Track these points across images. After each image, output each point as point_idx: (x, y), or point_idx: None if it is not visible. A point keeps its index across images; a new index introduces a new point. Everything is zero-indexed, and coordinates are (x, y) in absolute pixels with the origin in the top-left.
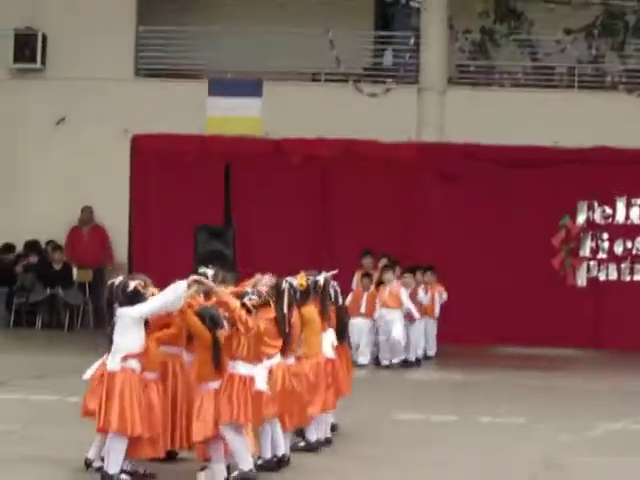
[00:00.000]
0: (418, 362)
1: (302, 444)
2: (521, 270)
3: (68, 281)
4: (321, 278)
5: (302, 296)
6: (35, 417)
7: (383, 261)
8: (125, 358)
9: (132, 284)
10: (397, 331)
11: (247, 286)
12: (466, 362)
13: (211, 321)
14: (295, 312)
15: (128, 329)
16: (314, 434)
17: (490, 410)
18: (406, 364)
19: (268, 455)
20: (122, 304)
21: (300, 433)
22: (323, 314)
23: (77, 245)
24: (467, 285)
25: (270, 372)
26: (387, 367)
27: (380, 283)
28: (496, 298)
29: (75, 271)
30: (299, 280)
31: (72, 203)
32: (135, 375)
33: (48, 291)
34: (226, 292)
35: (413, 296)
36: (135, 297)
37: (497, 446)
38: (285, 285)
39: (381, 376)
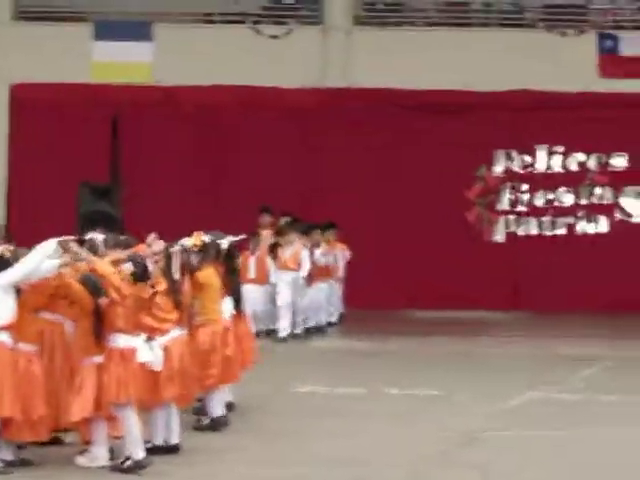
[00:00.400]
0: (321, 329)
1: (207, 421)
2: (433, 226)
3: None
4: (225, 242)
5: (198, 258)
6: None
7: (284, 220)
8: None
9: None
10: (282, 297)
11: (138, 251)
12: (374, 328)
13: (94, 288)
14: (186, 279)
15: None
16: (218, 408)
17: (400, 381)
18: (309, 332)
19: (158, 441)
20: None
21: (199, 410)
22: (226, 281)
23: None
24: (373, 243)
25: (167, 350)
26: (284, 339)
27: (276, 245)
28: (405, 257)
29: None
30: (193, 240)
31: None
32: (5, 349)
33: None
34: (95, 258)
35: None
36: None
37: (406, 419)
38: (175, 248)
39: (281, 346)
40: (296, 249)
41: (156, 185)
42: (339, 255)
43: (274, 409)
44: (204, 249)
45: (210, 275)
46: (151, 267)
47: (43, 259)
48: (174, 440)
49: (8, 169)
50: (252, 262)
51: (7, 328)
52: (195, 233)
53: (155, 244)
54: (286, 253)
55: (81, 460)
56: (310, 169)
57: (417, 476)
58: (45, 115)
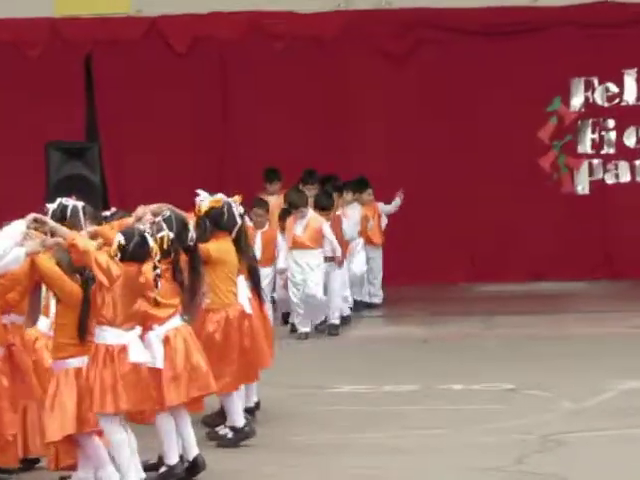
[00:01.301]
0: (346, 319)
1: (230, 435)
2: (497, 178)
3: None
4: (237, 206)
5: (206, 227)
6: None
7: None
8: None
9: None
10: (314, 286)
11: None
12: (426, 310)
13: (74, 270)
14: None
15: None
16: (240, 417)
17: (462, 374)
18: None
19: (174, 460)
20: None
21: (215, 420)
22: (241, 254)
23: None
24: (419, 203)
25: (168, 342)
26: (305, 335)
27: (286, 214)
28: (464, 219)
29: None
30: (209, 203)
31: None
32: None
33: None
34: (75, 232)
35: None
36: None
37: (471, 421)
38: (169, 214)
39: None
40: (314, 222)
41: (143, 142)
42: (381, 219)
43: (305, 417)
44: (218, 211)
45: (222, 248)
46: (151, 242)
47: (11, 246)
48: (193, 453)
49: None
50: (258, 239)
51: None
52: (205, 195)
53: (145, 216)
54: (301, 227)
55: None
56: (333, 115)
57: None
58: (3, 59)
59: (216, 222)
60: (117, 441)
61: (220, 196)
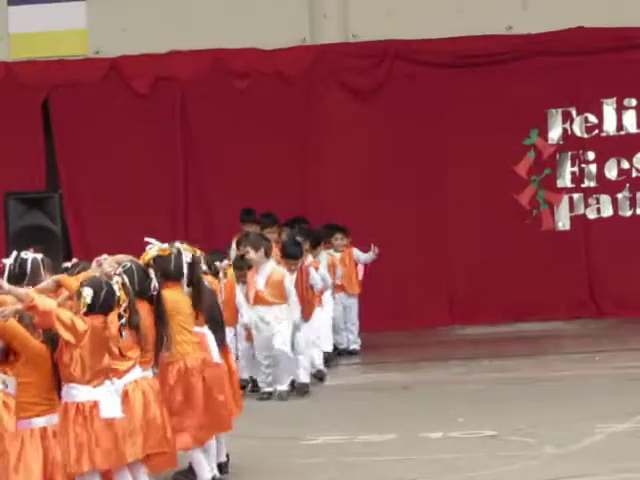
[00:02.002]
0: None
1: None
2: (474, 216)
3: None
4: (187, 254)
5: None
6: None
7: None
8: None
9: None
10: (280, 340)
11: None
12: (405, 355)
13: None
14: (144, 305)
15: None
16: (206, 470)
17: (443, 421)
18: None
19: None
20: None
21: (187, 476)
22: (196, 303)
23: None
24: (396, 247)
25: (125, 395)
26: (268, 395)
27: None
28: (441, 260)
29: None
30: (155, 251)
31: None
32: None
33: None
34: (31, 292)
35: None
36: None
37: (453, 471)
38: (130, 264)
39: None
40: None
41: (105, 188)
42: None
43: (278, 470)
44: (167, 262)
45: (175, 298)
46: (118, 292)
47: None
48: None
49: None
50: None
51: None
52: (154, 245)
53: (107, 264)
54: (259, 280)
55: None
56: (300, 153)
57: None
58: None
59: (163, 271)
60: None
61: (167, 245)
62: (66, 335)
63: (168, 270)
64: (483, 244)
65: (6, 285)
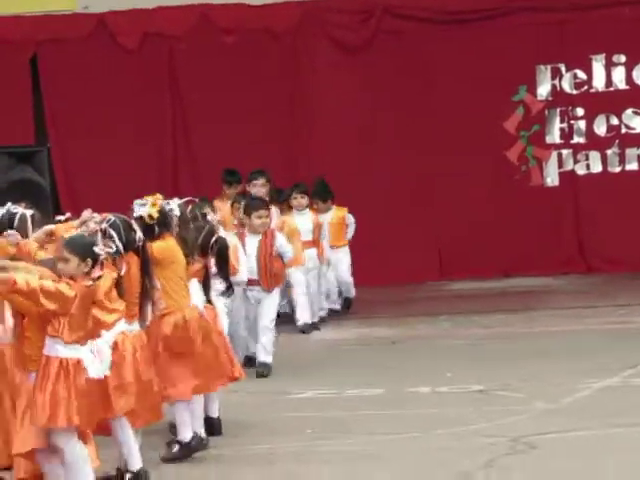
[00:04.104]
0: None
1: (175, 449)
2: (463, 172)
3: None
4: (175, 206)
5: (151, 228)
6: None
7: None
8: None
9: None
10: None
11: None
12: (394, 311)
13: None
14: (133, 258)
15: None
16: (187, 427)
17: (430, 376)
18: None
19: (138, 465)
20: None
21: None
22: (187, 255)
23: None
24: (385, 201)
25: (115, 347)
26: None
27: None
28: (430, 215)
29: None
30: (148, 208)
31: None
32: None
33: None
34: (10, 272)
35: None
36: None
37: (439, 425)
38: (113, 218)
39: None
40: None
41: (93, 143)
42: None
43: (266, 425)
44: (160, 214)
45: (168, 247)
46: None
47: None
48: (136, 466)
49: None
50: None
51: None
52: (150, 197)
53: (92, 221)
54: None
55: None
56: (287, 109)
57: None
58: None
59: (158, 223)
60: (74, 458)
61: (156, 197)
62: (53, 306)
63: (162, 221)
64: (472, 200)
65: None
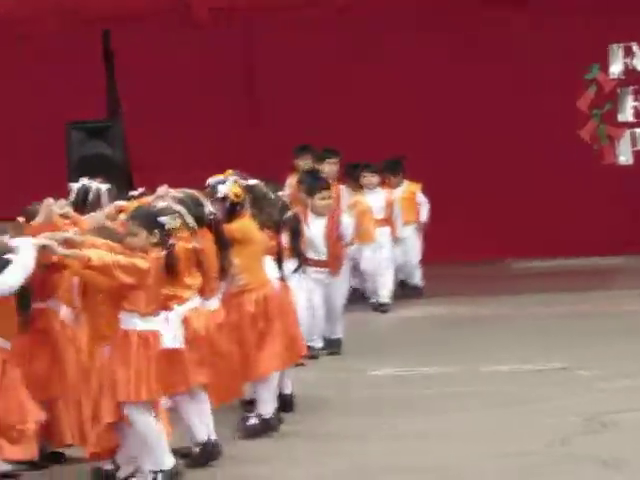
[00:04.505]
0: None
1: (253, 421)
2: (534, 151)
3: None
4: (255, 182)
5: (234, 207)
6: None
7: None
8: None
9: None
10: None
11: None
12: (471, 288)
13: None
14: (207, 234)
15: None
16: (269, 404)
17: (502, 355)
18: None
19: (204, 438)
20: None
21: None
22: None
23: None
24: (459, 181)
25: (186, 322)
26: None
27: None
28: (500, 195)
29: None
30: (232, 187)
31: None
32: None
33: None
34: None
35: None
36: None
37: (522, 402)
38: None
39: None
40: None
41: (167, 119)
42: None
43: (342, 402)
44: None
45: (247, 226)
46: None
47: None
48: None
49: None
50: None
51: None
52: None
53: (168, 197)
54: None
55: None
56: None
57: (530, 476)
58: (10, 36)
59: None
60: (148, 431)
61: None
62: (130, 280)
63: (244, 200)
64: (543, 178)
65: (60, 250)
